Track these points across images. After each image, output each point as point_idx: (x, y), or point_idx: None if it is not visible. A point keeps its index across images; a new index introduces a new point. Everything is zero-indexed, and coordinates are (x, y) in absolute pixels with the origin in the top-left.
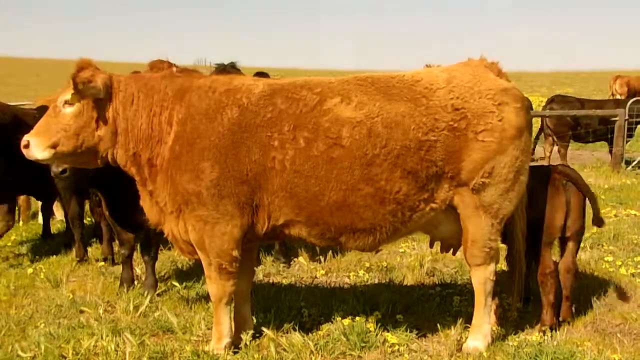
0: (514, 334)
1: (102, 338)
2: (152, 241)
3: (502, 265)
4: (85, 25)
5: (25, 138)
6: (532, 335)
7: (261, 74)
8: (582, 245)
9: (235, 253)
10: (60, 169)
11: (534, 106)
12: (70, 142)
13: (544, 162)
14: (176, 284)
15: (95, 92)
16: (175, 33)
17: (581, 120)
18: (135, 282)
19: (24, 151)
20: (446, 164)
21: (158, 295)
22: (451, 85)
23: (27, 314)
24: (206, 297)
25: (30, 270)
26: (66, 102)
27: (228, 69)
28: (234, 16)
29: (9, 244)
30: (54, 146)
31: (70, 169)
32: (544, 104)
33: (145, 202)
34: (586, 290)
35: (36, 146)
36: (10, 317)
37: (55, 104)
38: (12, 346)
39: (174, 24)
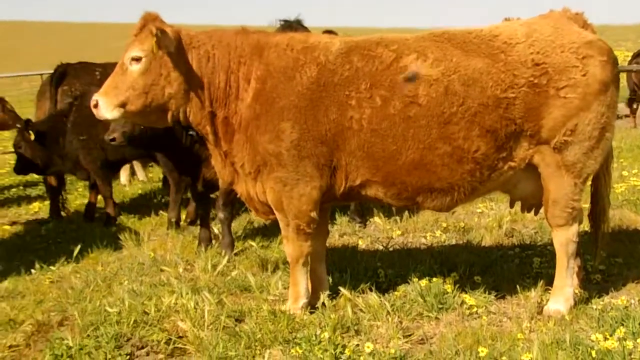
0: (598, 298)
1: (181, 296)
2: (228, 200)
3: (585, 226)
4: None
5: (94, 98)
6: (618, 299)
7: None
8: None
9: (313, 214)
10: (110, 137)
11: (619, 61)
12: (139, 101)
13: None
14: (253, 243)
15: (169, 44)
16: None
17: None
18: (213, 242)
19: (94, 111)
20: (525, 122)
21: (235, 254)
22: (531, 39)
23: (112, 271)
24: (283, 257)
25: (114, 229)
26: (133, 59)
27: (294, 25)
28: None
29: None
30: (122, 105)
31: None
32: (629, 58)
33: (217, 162)
34: None
35: (105, 106)
36: (97, 274)
37: (122, 62)
38: (100, 301)
39: None
